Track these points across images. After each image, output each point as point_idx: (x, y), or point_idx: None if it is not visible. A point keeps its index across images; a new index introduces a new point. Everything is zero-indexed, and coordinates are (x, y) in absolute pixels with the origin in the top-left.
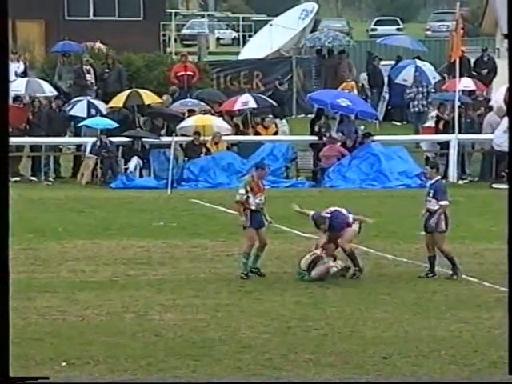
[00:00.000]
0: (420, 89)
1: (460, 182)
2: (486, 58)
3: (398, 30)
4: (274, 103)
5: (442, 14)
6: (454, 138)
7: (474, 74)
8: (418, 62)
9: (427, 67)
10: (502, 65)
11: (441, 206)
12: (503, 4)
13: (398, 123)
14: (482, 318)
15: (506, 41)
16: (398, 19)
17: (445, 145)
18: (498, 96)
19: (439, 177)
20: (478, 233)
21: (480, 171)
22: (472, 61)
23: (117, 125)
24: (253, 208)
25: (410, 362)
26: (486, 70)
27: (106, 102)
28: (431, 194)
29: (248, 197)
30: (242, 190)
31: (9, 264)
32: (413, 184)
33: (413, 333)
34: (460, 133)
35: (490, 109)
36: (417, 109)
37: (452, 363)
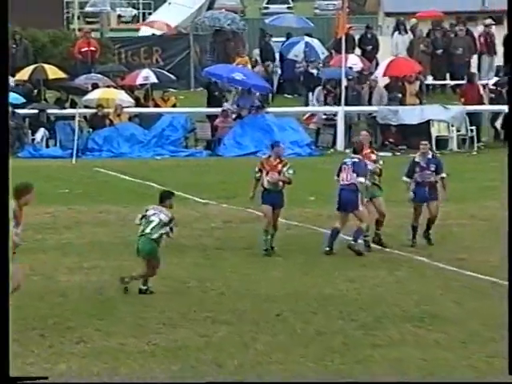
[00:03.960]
0: (309, 63)
1: (347, 150)
2: (369, 35)
3: (288, 8)
4: (173, 77)
5: None
6: (341, 110)
7: (362, 49)
8: (307, 39)
9: (315, 43)
10: (383, 41)
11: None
12: None
13: (290, 96)
14: (367, 276)
15: (388, 19)
16: None
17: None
18: (379, 70)
19: None
20: None
21: None
22: (356, 38)
23: (23, 100)
24: (265, 186)
25: (301, 319)
26: (370, 47)
27: (14, 76)
28: None
29: (261, 175)
30: (256, 169)
31: (9, 266)
32: (303, 153)
33: (303, 291)
34: (347, 105)
35: (376, 82)
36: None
37: (339, 319)
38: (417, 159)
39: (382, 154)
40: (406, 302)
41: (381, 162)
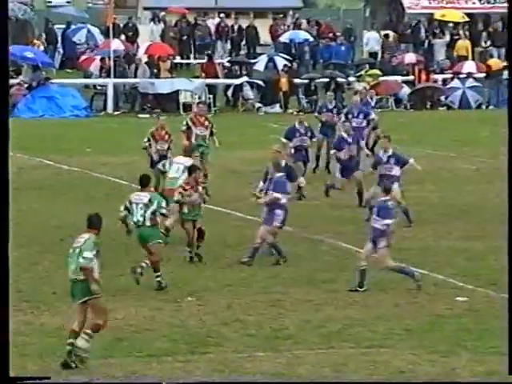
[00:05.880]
0: (90, 45)
1: (115, 112)
2: (131, 24)
3: (67, 2)
4: None
5: None
6: (110, 82)
7: (126, 35)
8: (90, 26)
9: (95, 30)
10: (142, 29)
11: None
12: None
13: (70, 70)
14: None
15: (145, 12)
16: None
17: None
18: (140, 51)
19: None
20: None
21: (131, 105)
22: (121, 25)
23: None
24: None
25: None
26: (131, 33)
27: None
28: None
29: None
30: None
31: (9, 268)
32: (81, 114)
33: (81, 221)
34: (115, 77)
35: (140, 60)
36: (86, 56)
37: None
38: (297, 126)
39: (141, 115)
40: None
41: (215, 126)
